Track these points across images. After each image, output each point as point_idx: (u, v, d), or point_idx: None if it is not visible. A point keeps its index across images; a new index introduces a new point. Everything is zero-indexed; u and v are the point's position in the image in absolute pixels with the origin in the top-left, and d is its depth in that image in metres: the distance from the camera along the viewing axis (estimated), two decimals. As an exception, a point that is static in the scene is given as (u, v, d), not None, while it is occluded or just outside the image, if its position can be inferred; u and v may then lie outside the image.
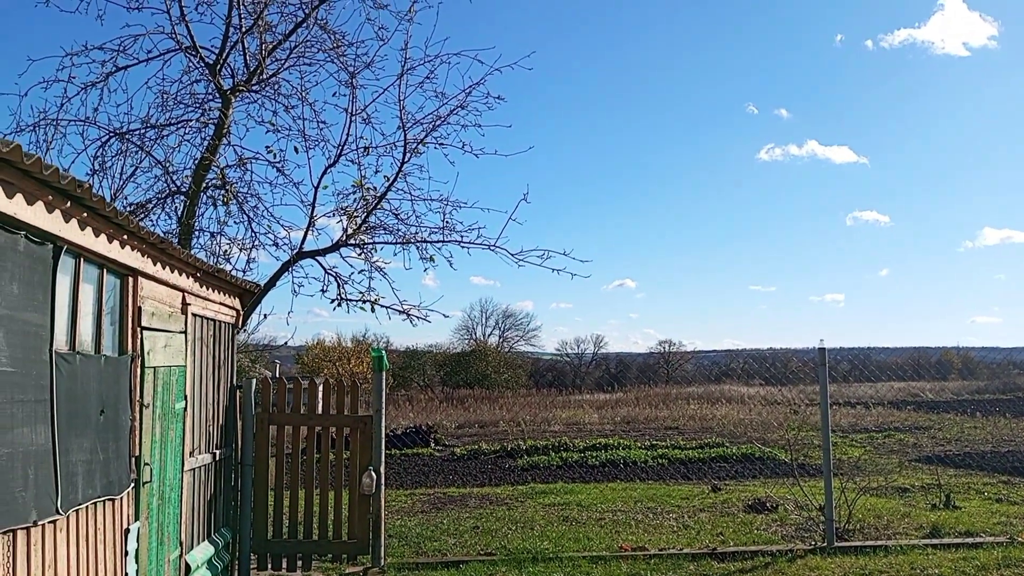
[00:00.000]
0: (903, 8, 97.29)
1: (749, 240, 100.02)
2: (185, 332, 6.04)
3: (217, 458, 6.94)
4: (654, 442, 20.18)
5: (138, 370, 4.97)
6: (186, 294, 6.09)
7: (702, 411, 31.52)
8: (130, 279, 4.93)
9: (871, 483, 11.78)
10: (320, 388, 7.69)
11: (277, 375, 9.08)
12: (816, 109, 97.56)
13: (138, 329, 4.99)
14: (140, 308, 5.01)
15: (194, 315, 6.30)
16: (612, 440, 20.15)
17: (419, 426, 21.99)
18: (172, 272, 5.70)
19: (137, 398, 4.94)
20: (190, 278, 6.16)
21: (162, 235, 5.14)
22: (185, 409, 6.06)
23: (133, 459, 4.85)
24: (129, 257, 4.79)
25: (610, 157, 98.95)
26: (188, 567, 6.09)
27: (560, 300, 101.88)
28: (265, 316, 9.68)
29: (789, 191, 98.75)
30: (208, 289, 6.66)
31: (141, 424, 4.98)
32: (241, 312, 7.75)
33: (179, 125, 8.76)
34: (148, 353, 5.11)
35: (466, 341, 60.98)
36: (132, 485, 4.83)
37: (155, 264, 5.30)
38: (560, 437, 21.24)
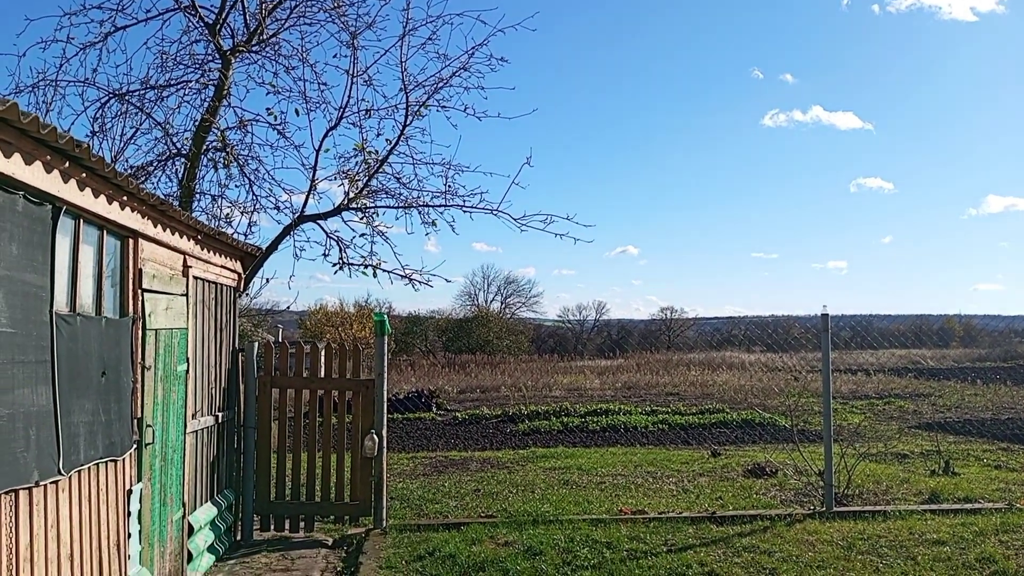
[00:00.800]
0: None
1: (752, 207, 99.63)
2: (187, 295, 6.03)
3: (220, 421, 6.98)
4: (655, 408, 20.29)
5: (139, 332, 4.96)
6: (187, 257, 6.07)
7: (703, 377, 31.65)
8: (131, 241, 4.90)
9: (870, 449, 11.85)
10: (322, 352, 7.70)
11: (280, 339, 9.11)
12: (821, 74, 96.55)
13: (139, 291, 4.98)
14: (141, 270, 4.99)
15: (195, 278, 6.28)
16: (613, 405, 20.24)
17: (421, 391, 22.09)
18: (173, 234, 5.67)
19: (139, 360, 4.94)
20: (191, 240, 6.13)
21: (162, 197, 5.10)
22: (187, 372, 6.08)
23: (135, 421, 4.87)
24: (129, 219, 4.76)
25: (614, 122, 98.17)
26: (191, 528, 6.15)
27: (562, 267, 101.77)
28: (267, 280, 9.70)
29: (793, 157, 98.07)
30: (209, 252, 6.64)
31: (143, 386, 4.99)
32: (243, 276, 7.74)
33: (179, 86, 8.67)
34: (149, 315, 5.11)
35: (468, 307, 61.06)
36: (134, 446, 4.85)
37: (156, 226, 5.28)
38: (561, 402, 21.35)
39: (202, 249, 6.42)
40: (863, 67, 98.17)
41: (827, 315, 7.89)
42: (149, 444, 5.11)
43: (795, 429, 11.53)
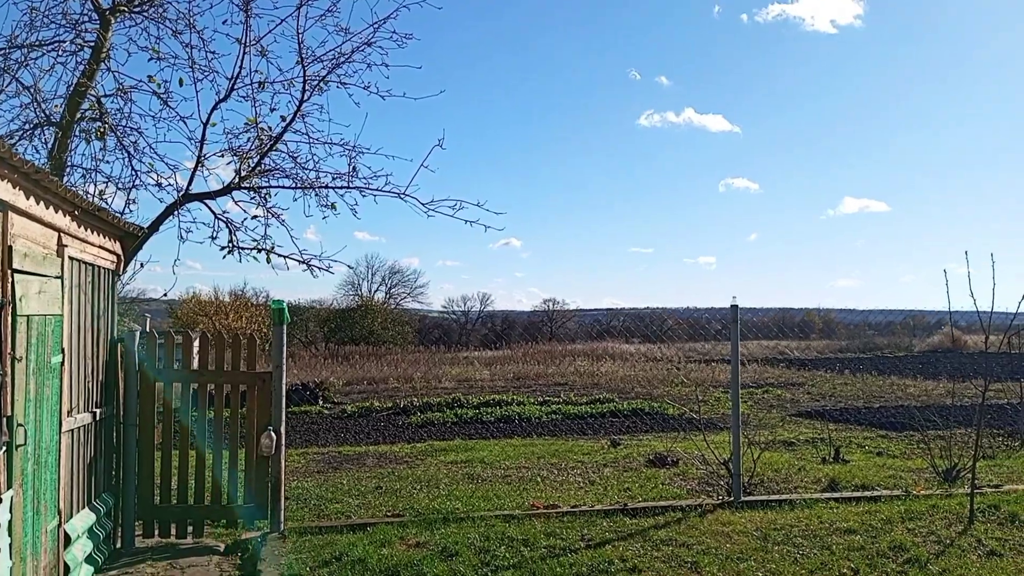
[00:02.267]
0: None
1: (629, 203, 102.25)
2: (61, 277, 5.35)
3: (98, 417, 6.28)
4: (547, 398, 20.31)
5: (8, 319, 4.31)
6: (62, 234, 5.38)
7: (589, 367, 32.05)
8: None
9: (758, 437, 12.15)
10: (211, 342, 7.08)
11: (148, 329, 8.35)
12: (694, 78, 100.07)
13: (8, 272, 4.32)
14: (11, 248, 4.34)
15: (71, 259, 5.59)
16: (506, 396, 20.13)
17: (306, 383, 21.26)
18: (47, 208, 5.00)
19: (8, 350, 4.29)
20: (67, 216, 5.45)
21: (38, 166, 4.45)
22: (63, 364, 5.40)
23: (4, 419, 4.22)
24: (-2, 188, 4.11)
25: (496, 115, 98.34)
26: (68, 537, 5.48)
27: (447, 258, 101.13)
28: (142, 265, 8.86)
29: (667, 157, 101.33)
30: (87, 230, 5.94)
31: (13, 380, 4.34)
32: (122, 258, 7.02)
33: (50, 46, 7.78)
34: (20, 299, 4.45)
35: (351, 297, 59.72)
36: (3, 448, 4.21)
37: (28, 198, 4.62)
38: (453, 394, 21.06)
39: (79, 227, 5.72)
40: (732, 72, 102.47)
41: (736, 306, 7.91)
42: (21, 445, 4.46)
43: (701, 418, 11.65)
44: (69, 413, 5.58)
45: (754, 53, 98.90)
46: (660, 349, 41.08)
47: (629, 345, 46.84)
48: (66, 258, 5.44)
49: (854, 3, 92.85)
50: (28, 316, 4.61)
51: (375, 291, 62.70)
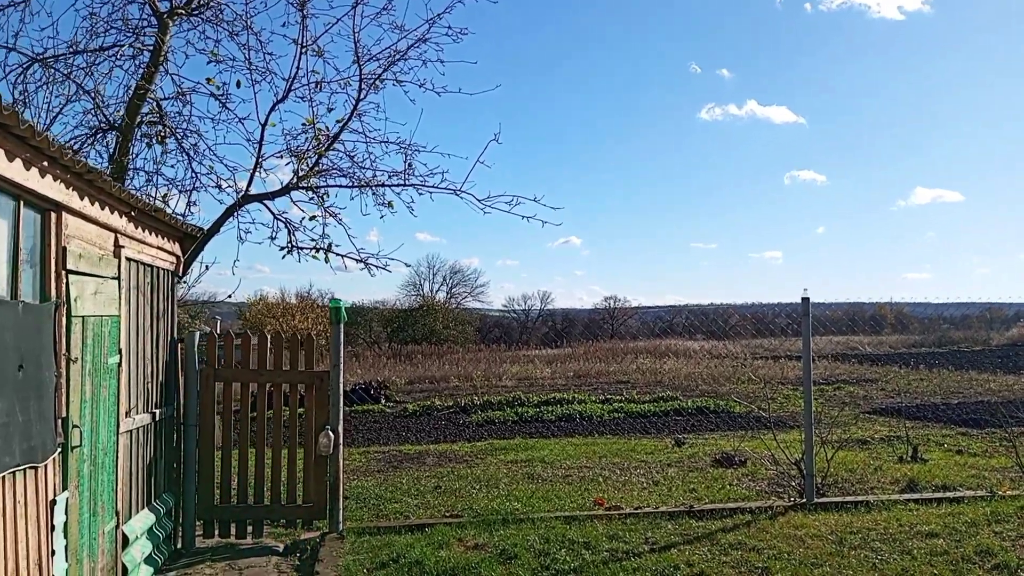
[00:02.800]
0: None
1: (690, 198, 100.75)
2: (118, 278, 5.36)
3: (157, 418, 6.30)
4: (608, 396, 20.00)
5: (63, 319, 4.31)
6: (119, 235, 5.39)
7: (651, 365, 31.59)
8: (53, 215, 4.23)
9: (831, 435, 11.69)
10: (270, 342, 7.06)
11: (219, 331, 8.41)
12: (756, 70, 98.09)
13: (63, 273, 4.32)
14: (65, 249, 4.33)
15: (128, 259, 5.61)
16: (566, 395, 19.88)
17: (368, 382, 21.39)
18: (103, 209, 5.00)
19: (63, 351, 4.29)
20: (123, 217, 5.45)
21: (91, 165, 4.43)
22: (120, 364, 5.41)
23: (59, 421, 4.22)
24: (51, 188, 4.10)
25: (553, 113, 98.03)
26: (126, 538, 5.50)
27: (506, 257, 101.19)
28: (207, 267, 8.93)
29: (729, 150, 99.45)
30: (144, 231, 5.96)
31: (68, 381, 4.33)
32: (182, 259, 7.05)
33: (111, 51, 7.87)
34: (75, 300, 4.44)
35: (413, 297, 60.17)
36: (59, 450, 4.20)
37: (82, 198, 4.61)
38: (513, 392, 20.91)
39: (136, 227, 5.73)
40: (796, 63, 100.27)
41: (807, 299, 7.57)
42: (76, 447, 4.46)
43: (770, 416, 11.27)
44: (127, 414, 5.59)
45: (818, 42, 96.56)
46: (725, 346, 40.25)
47: (692, 342, 46.01)
48: (123, 259, 5.45)
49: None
50: (83, 317, 4.60)
51: (436, 291, 63.11)
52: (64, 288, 4.31)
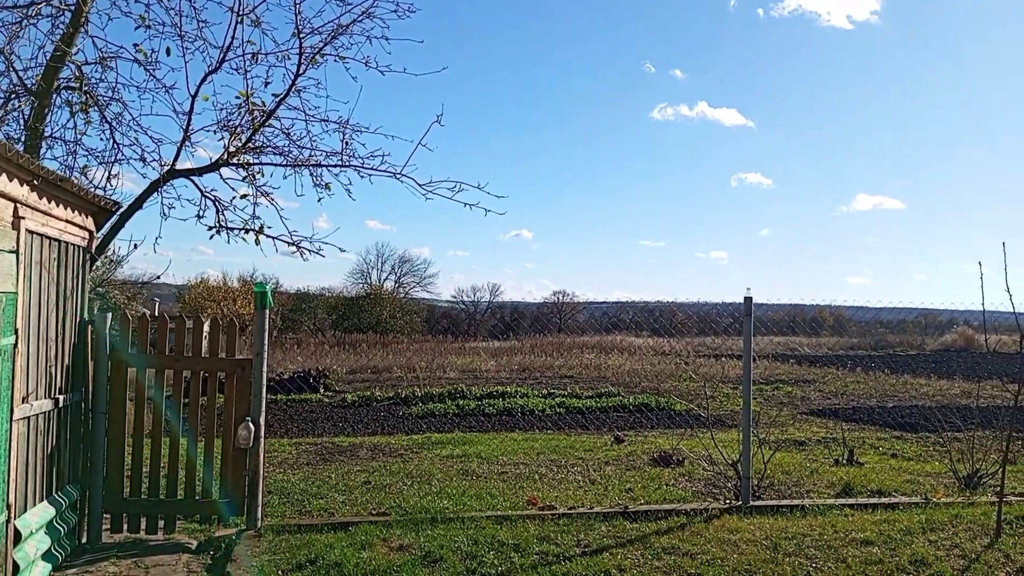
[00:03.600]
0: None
1: (641, 196, 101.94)
2: (17, 251, 4.92)
3: (61, 404, 5.86)
4: (551, 391, 19.85)
5: (-59, 295, 3.89)
6: (19, 205, 4.95)
7: (596, 360, 31.57)
8: (-70, 178, 3.82)
9: (769, 436, 11.66)
10: (190, 327, 6.66)
11: (157, 313, 7.95)
12: (708, 72, 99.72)
13: (-58, 243, 3.90)
14: (-56, 216, 3.91)
15: (30, 232, 5.17)
16: (509, 388, 19.69)
17: (308, 371, 20.89)
18: (0, 176, 4.57)
19: (-62, 330, 3.87)
20: (25, 185, 5.02)
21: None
22: (16, 346, 4.97)
23: (-69, 407, 3.81)
24: (-73, 148, 3.68)
25: (509, 104, 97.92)
26: (19, 533, 5.07)
27: (457, 248, 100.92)
28: (135, 245, 8.41)
29: (679, 150, 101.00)
30: (50, 203, 5.51)
31: (-57, 363, 3.92)
32: (95, 234, 6.59)
33: (27, 8, 7.32)
34: (-44, 274, 4.02)
35: (360, 285, 59.43)
36: (-70, 440, 3.79)
37: (-31, 162, 4.18)
38: (456, 384, 20.62)
39: (40, 197, 5.29)
40: (747, 67, 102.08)
41: (750, 299, 7.42)
42: (-48, 436, 4.04)
43: (709, 415, 11.17)
44: (24, 399, 5.16)
45: (770, 48, 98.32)
46: (669, 343, 40.57)
47: (638, 338, 46.29)
48: (23, 231, 5.01)
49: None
50: (-33, 292, 4.18)
51: (384, 280, 62.47)
52: (-58, 260, 3.89)
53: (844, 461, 10.06)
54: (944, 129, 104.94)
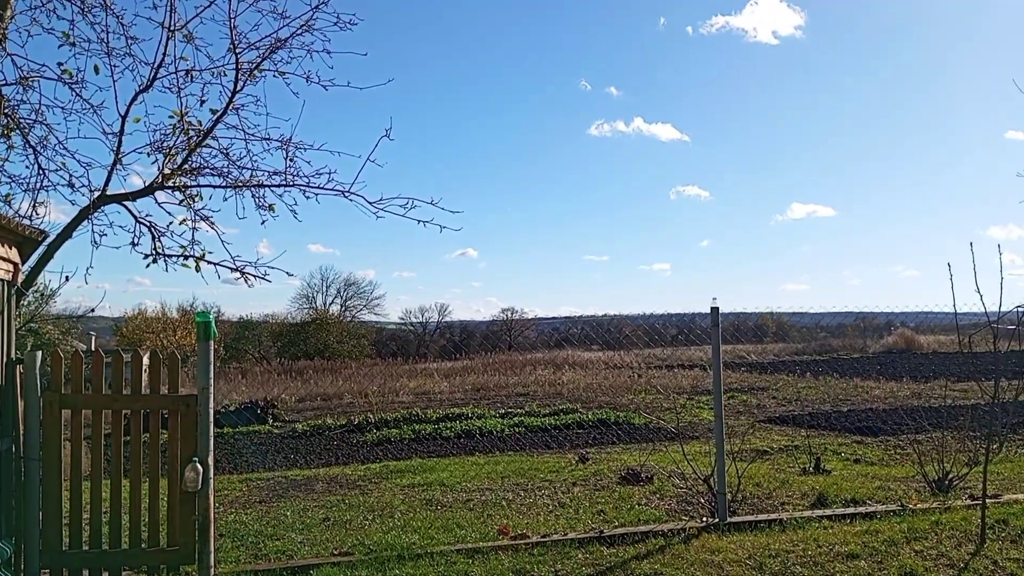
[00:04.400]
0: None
1: (582, 212, 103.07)
2: (-72, 289, 4.44)
3: (-13, 454, 5.34)
4: (508, 409, 19.54)
5: None
6: (-70, 237, 4.48)
7: (550, 376, 31.38)
8: None
9: (732, 447, 11.52)
10: (127, 362, 6.17)
11: (93, 348, 7.40)
12: (643, 88, 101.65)
13: None
14: None
15: (-56, 266, 4.69)
16: (466, 410, 19.31)
17: (255, 401, 20.18)
18: (-99, 204, 4.10)
19: None
20: (-65, 216, 4.54)
21: None
22: (-70, 393, 4.48)
23: None
24: None
25: (451, 123, 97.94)
26: (-60, 602, 4.55)
27: (403, 269, 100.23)
28: (67, 278, 7.82)
29: (618, 166, 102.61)
30: (-33, 233, 5.03)
31: None
32: (20, 267, 6.08)
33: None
34: None
35: (305, 311, 58.36)
36: None
37: None
38: (411, 408, 20.16)
39: (-46, 228, 4.81)
40: (679, 83, 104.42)
41: (717, 309, 7.25)
42: None
43: (677, 428, 10.98)
44: (-58, 451, 4.65)
45: (700, 64, 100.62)
46: (620, 356, 40.62)
47: (589, 353, 46.31)
48: (-65, 266, 4.54)
49: (795, 14, 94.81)
50: None
51: (330, 304, 61.52)
52: None
53: (811, 469, 9.95)
54: (870, 135, 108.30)
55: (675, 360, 38.25)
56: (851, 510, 7.30)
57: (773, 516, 7.13)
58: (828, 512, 7.24)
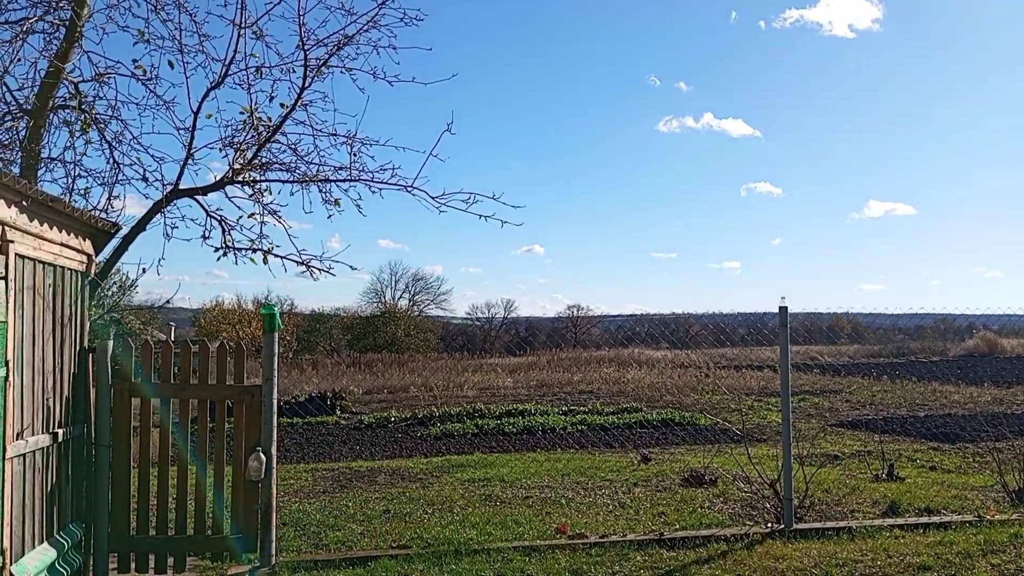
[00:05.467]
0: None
1: (650, 209, 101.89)
2: (6, 278, 4.60)
3: (60, 439, 5.51)
4: (571, 407, 19.42)
5: (-84, 326, 3.56)
6: (7, 228, 4.63)
7: (615, 374, 31.11)
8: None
9: (799, 450, 11.18)
10: (195, 353, 6.31)
11: (173, 338, 7.62)
12: (713, 83, 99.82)
13: (-82, 270, 3.57)
14: (-80, 240, 3.58)
15: (20, 256, 4.84)
16: (529, 406, 19.25)
17: (324, 392, 20.55)
18: (-19, 197, 4.25)
19: (-87, 365, 3.54)
20: (13, 207, 4.69)
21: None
22: (7, 379, 4.64)
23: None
24: None
25: (520, 121, 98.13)
26: (14, 580, 4.72)
27: (469, 264, 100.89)
28: (144, 269, 8.04)
29: (687, 162, 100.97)
30: (43, 225, 5.19)
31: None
32: (94, 258, 6.27)
33: (19, 24, 7.05)
34: (-66, 303, 3.69)
35: (375, 304, 59.26)
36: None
37: (-52, 182, 3.86)
38: (474, 403, 20.22)
39: (31, 220, 4.97)
40: (751, 77, 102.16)
41: (785, 308, 7.02)
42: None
43: (742, 431, 10.72)
44: (18, 436, 4.82)
45: (773, 58, 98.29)
46: (687, 355, 39.99)
47: (655, 351, 45.73)
48: (12, 256, 4.69)
49: (872, 7, 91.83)
50: (-52, 323, 3.85)
51: (399, 298, 62.31)
52: (-82, 289, 3.57)
53: (884, 476, 9.59)
54: (952, 131, 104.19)
55: (743, 360, 37.48)
56: (924, 519, 6.99)
57: (842, 524, 6.88)
58: (900, 521, 6.96)
